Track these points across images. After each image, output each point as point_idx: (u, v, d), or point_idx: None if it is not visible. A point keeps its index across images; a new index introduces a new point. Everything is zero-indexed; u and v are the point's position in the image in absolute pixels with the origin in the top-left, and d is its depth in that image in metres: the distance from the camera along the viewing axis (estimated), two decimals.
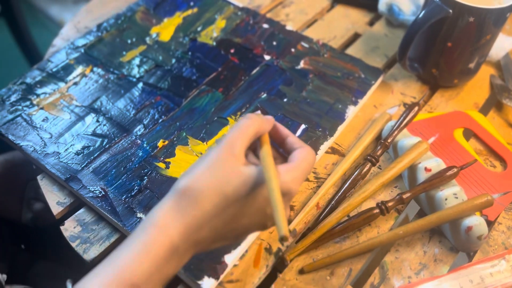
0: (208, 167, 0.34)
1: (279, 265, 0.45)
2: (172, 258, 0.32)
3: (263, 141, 0.37)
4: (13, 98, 0.56)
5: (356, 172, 0.50)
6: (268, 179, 0.33)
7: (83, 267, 0.43)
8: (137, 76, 0.59)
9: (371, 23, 0.70)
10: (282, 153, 0.40)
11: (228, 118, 0.55)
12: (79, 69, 0.59)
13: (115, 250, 0.33)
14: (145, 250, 0.31)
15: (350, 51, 0.65)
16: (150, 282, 0.31)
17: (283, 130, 0.39)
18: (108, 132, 0.53)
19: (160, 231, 0.32)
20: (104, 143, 0.52)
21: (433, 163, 0.49)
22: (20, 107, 0.55)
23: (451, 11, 0.52)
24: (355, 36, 0.68)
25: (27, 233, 0.45)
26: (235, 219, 0.34)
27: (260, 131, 0.37)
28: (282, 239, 0.30)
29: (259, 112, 0.39)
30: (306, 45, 0.63)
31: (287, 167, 0.35)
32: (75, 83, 0.58)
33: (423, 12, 0.53)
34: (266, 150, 0.36)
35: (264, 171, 0.34)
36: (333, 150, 0.54)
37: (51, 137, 0.52)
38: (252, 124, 0.36)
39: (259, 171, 0.34)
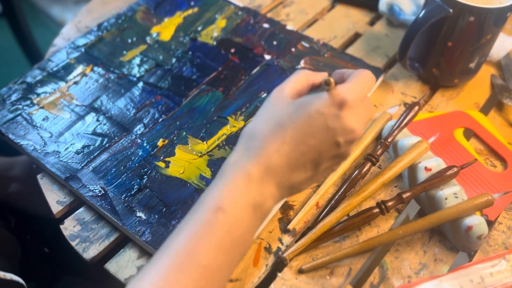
0: (261, 111, 0.38)
1: (278, 265, 0.45)
2: (251, 184, 0.35)
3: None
4: (13, 97, 0.56)
5: (356, 172, 0.50)
6: None
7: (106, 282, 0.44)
8: (138, 75, 0.59)
9: (372, 23, 0.70)
10: None
11: (228, 118, 0.55)
12: (80, 69, 0.60)
13: None
14: (223, 181, 0.35)
15: (350, 51, 0.65)
16: (237, 205, 0.34)
17: (345, 71, 0.41)
18: (108, 131, 0.53)
19: (232, 165, 0.36)
20: (104, 142, 0.52)
21: (433, 163, 0.48)
22: (20, 106, 0.55)
23: (451, 10, 0.52)
24: (356, 36, 0.68)
25: (57, 229, 0.47)
26: (301, 142, 0.36)
27: (311, 79, 0.40)
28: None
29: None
30: (306, 44, 0.63)
31: (340, 85, 0.37)
32: (76, 83, 0.58)
33: (423, 11, 0.53)
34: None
35: None
36: None
37: (51, 136, 0.52)
38: (300, 73, 0.40)
39: (312, 94, 0.37)
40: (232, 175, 0.35)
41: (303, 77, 0.40)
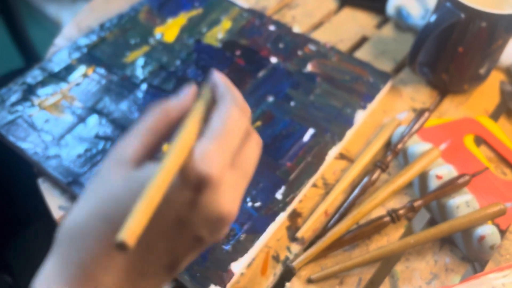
0: (89, 190, 0.26)
1: (286, 274, 0.44)
2: None
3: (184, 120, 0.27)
4: (13, 98, 0.54)
5: (365, 179, 0.49)
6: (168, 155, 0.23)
7: None
8: (141, 77, 0.58)
9: (379, 27, 0.69)
10: None
11: None
12: (82, 70, 0.58)
13: None
14: None
15: (358, 54, 0.64)
16: None
17: (218, 87, 0.29)
18: (111, 134, 0.52)
19: (43, 283, 0.25)
20: (107, 145, 0.51)
21: (445, 171, 0.48)
22: (20, 108, 0.53)
23: (463, 15, 0.51)
24: (363, 40, 0.67)
25: None
26: (143, 248, 0.25)
27: (171, 115, 0.27)
28: (120, 246, 0.21)
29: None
30: (313, 48, 0.62)
31: (199, 144, 0.24)
32: (77, 84, 0.57)
33: (434, 16, 0.53)
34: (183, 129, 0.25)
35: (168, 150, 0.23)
36: (341, 156, 0.53)
37: (52, 139, 0.51)
38: (145, 119, 0.27)
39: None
40: None
41: (146, 125, 0.26)
